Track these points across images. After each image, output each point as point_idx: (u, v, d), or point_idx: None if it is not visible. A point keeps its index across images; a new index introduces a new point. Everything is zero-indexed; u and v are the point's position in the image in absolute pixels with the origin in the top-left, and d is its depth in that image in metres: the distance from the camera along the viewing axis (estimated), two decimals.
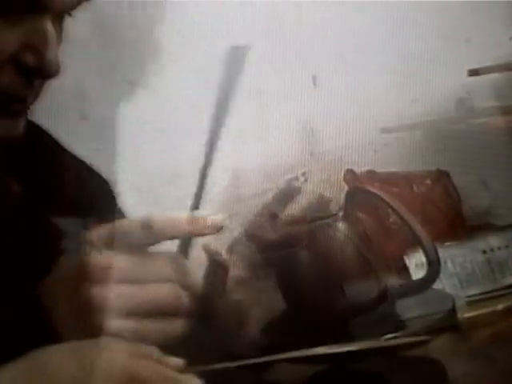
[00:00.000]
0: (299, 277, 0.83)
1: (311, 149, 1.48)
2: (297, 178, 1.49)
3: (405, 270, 0.97)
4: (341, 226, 0.82)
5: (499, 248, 1.00)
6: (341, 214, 0.84)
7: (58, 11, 0.69)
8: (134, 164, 1.45)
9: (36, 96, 0.74)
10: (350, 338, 0.80)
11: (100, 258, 0.59)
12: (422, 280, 0.81)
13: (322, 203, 0.68)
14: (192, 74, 1.45)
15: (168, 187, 1.44)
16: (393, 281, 0.82)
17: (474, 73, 1.32)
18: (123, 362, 0.56)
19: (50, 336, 0.58)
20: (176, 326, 0.61)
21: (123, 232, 0.60)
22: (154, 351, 0.58)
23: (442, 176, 1.27)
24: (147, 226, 0.60)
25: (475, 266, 0.99)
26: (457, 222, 1.25)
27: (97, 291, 0.58)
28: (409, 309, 0.82)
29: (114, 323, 0.58)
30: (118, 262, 0.59)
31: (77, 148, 1.41)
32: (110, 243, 0.60)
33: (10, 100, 0.69)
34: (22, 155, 0.81)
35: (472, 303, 0.94)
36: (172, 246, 0.79)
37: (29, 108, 0.74)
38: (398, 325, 0.80)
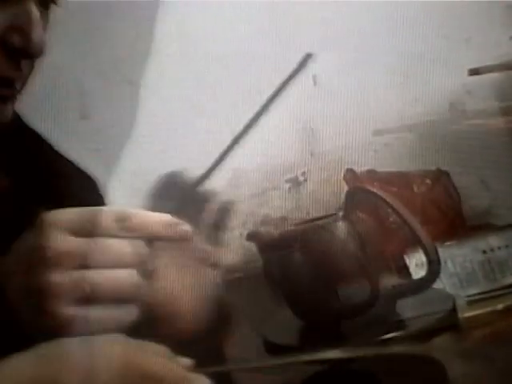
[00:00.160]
0: (297, 277, 0.83)
1: (311, 149, 1.48)
2: (297, 178, 1.49)
3: (405, 269, 0.97)
4: (341, 225, 0.82)
5: (499, 248, 1.00)
6: (341, 213, 0.84)
7: None
8: (134, 164, 1.45)
9: (24, 81, 0.76)
10: (344, 339, 0.80)
11: (57, 241, 0.59)
12: (422, 280, 0.81)
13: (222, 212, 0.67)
14: (192, 74, 1.45)
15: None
16: (393, 280, 0.82)
17: (474, 72, 1.32)
18: (136, 359, 0.56)
19: (7, 315, 0.58)
20: (132, 313, 0.60)
21: (92, 219, 0.60)
22: (165, 350, 0.58)
23: (442, 176, 1.27)
24: (121, 220, 0.60)
25: (475, 266, 0.99)
26: (457, 222, 1.25)
27: (52, 276, 0.58)
28: (409, 308, 0.82)
29: (69, 309, 0.58)
30: (76, 246, 0.59)
31: (77, 148, 1.41)
32: (71, 227, 0.59)
33: None
34: (9, 148, 0.81)
35: (472, 303, 0.94)
36: None
37: (17, 94, 0.74)
38: (398, 324, 0.80)
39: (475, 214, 1.38)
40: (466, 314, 0.90)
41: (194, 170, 1.44)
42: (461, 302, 0.92)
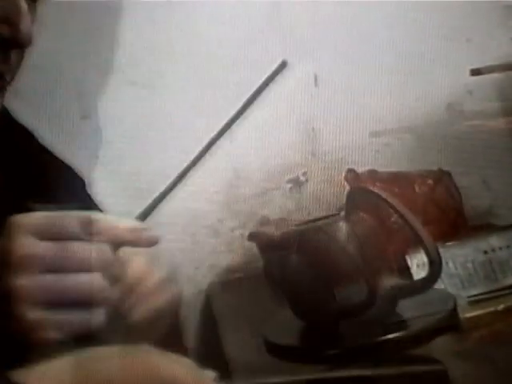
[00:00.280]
0: (297, 277, 0.83)
1: (312, 149, 1.48)
2: (298, 178, 1.48)
3: (406, 270, 0.97)
4: (342, 225, 0.82)
5: (500, 248, 1.00)
6: (342, 213, 0.84)
7: None
8: (134, 164, 1.44)
9: (13, 74, 0.78)
10: (344, 339, 0.80)
11: (23, 245, 0.59)
12: (423, 280, 0.81)
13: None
14: (192, 73, 1.45)
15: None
16: (394, 281, 0.82)
17: (475, 72, 1.32)
18: (167, 369, 0.56)
19: None
20: (99, 316, 0.60)
21: (58, 223, 0.60)
22: (191, 362, 0.59)
23: (443, 176, 1.27)
24: (87, 224, 0.60)
25: (476, 266, 0.98)
26: (458, 222, 1.24)
27: (18, 280, 0.58)
28: (410, 309, 0.82)
29: (35, 313, 0.58)
30: (42, 250, 0.59)
31: (77, 148, 1.41)
32: (38, 231, 0.59)
33: None
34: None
35: (473, 303, 0.94)
36: None
37: (6, 86, 0.75)
38: (399, 325, 0.80)
39: (477, 214, 1.38)
40: (467, 314, 0.89)
41: (194, 170, 1.44)
42: (462, 303, 0.91)
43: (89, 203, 0.90)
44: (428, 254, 0.79)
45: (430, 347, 0.82)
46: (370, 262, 0.81)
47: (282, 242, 0.85)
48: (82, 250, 0.59)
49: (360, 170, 1.33)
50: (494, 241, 1.01)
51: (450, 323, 0.81)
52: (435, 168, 1.30)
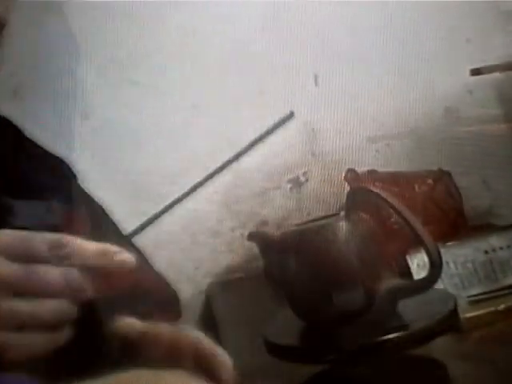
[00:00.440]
0: (297, 277, 0.83)
1: (312, 149, 1.48)
2: (298, 178, 1.48)
3: (407, 270, 0.97)
4: (342, 225, 0.82)
5: (501, 248, 1.00)
6: (342, 213, 0.84)
7: None
8: (134, 163, 1.45)
9: None
10: (345, 339, 0.80)
11: None
12: (423, 280, 0.81)
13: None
14: (192, 73, 1.45)
15: (168, 186, 1.44)
16: (394, 281, 0.82)
17: (475, 72, 1.32)
18: None
19: None
20: (60, 338, 0.60)
21: (26, 245, 0.59)
22: None
23: (443, 176, 1.27)
24: (56, 247, 0.59)
25: (477, 266, 0.98)
26: (458, 222, 1.24)
27: None
28: (410, 309, 0.82)
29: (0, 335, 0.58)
30: (8, 272, 0.58)
31: (78, 147, 1.41)
32: (5, 251, 0.58)
33: None
34: None
35: (473, 303, 0.94)
36: None
37: None
38: (400, 325, 0.80)
39: (477, 214, 1.38)
40: (467, 314, 0.89)
41: (194, 170, 1.44)
42: (462, 303, 0.91)
43: (81, 196, 0.89)
44: (428, 254, 0.79)
45: (430, 347, 0.82)
46: (370, 262, 0.81)
47: (282, 241, 0.85)
48: (49, 274, 0.58)
49: (360, 170, 1.33)
50: (494, 241, 1.01)
51: (451, 323, 0.81)
52: (435, 168, 1.30)
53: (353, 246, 0.81)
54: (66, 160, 0.90)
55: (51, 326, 0.59)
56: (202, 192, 1.42)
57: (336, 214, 0.86)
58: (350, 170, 1.32)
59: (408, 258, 0.98)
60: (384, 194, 0.82)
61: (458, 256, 0.99)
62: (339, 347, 0.80)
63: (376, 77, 1.47)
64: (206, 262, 1.47)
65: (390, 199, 0.82)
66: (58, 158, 0.89)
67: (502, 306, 0.91)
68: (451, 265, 0.98)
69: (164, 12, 1.43)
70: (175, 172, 1.44)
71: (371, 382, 0.80)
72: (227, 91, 1.45)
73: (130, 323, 0.66)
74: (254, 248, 0.92)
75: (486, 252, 1.00)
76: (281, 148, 1.45)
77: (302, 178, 1.48)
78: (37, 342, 0.59)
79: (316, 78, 1.47)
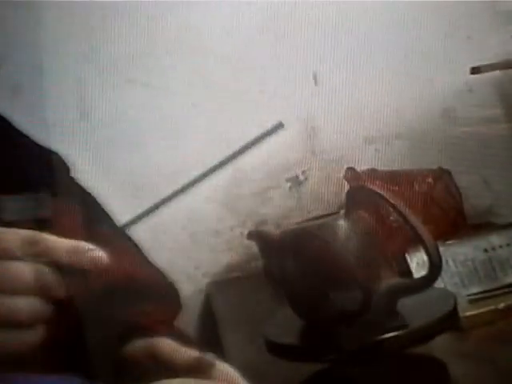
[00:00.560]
0: (297, 276, 0.83)
1: (312, 147, 1.48)
2: (297, 177, 1.48)
3: (406, 268, 0.97)
4: (342, 224, 0.82)
5: (500, 246, 1.00)
6: (342, 212, 0.84)
7: None
8: (134, 163, 1.45)
9: None
10: (345, 338, 0.80)
11: None
12: (423, 279, 0.81)
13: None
14: (192, 73, 1.45)
15: (168, 185, 1.43)
16: (394, 280, 0.82)
17: (476, 70, 1.32)
18: None
19: None
20: (35, 335, 0.59)
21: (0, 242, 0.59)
22: None
23: (443, 174, 1.27)
24: (29, 244, 0.59)
25: (477, 265, 0.98)
26: (458, 221, 1.24)
27: None
28: (410, 307, 0.82)
29: None
30: None
31: (77, 147, 1.41)
32: None
33: None
34: None
35: (473, 302, 0.94)
36: None
37: None
38: (400, 324, 0.80)
39: (476, 212, 1.38)
40: (467, 313, 0.89)
41: (194, 170, 1.44)
42: (462, 301, 0.91)
43: (72, 188, 0.89)
44: (428, 253, 0.79)
45: (430, 346, 0.82)
46: (370, 261, 0.81)
47: (282, 240, 0.85)
48: (20, 271, 0.58)
49: (359, 168, 1.33)
50: (494, 239, 1.01)
51: (450, 322, 0.81)
52: (435, 167, 1.30)
53: (352, 245, 0.81)
54: (57, 152, 0.89)
55: (23, 324, 0.59)
56: (202, 191, 1.42)
57: (335, 213, 0.86)
58: (350, 169, 1.32)
59: (408, 256, 0.98)
60: (384, 193, 0.82)
61: (458, 255, 0.99)
62: (339, 346, 0.80)
63: (376, 76, 1.47)
64: (205, 261, 1.47)
65: (390, 198, 0.82)
66: (47, 149, 0.88)
67: (501, 305, 0.91)
68: (451, 263, 0.98)
69: (164, 12, 1.43)
70: (175, 171, 1.44)
71: (371, 382, 0.80)
72: (227, 91, 1.45)
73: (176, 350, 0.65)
74: (254, 247, 0.92)
75: (486, 251, 1.00)
76: (280, 147, 1.45)
77: (302, 177, 1.48)
78: (8, 340, 0.58)
79: (316, 77, 1.47)
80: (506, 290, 0.96)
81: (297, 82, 1.46)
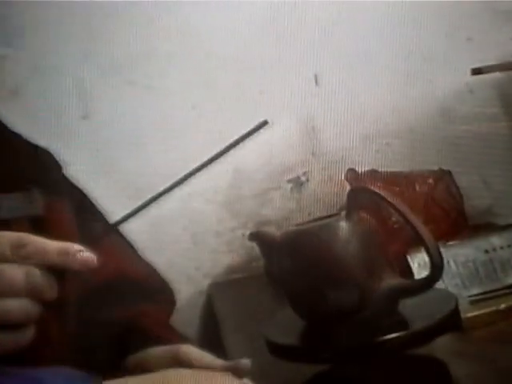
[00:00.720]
0: (298, 277, 0.83)
1: (312, 148, 1.48)
2: (298, 178, 1.48)
3: (408, 269, 0.97)
4: (343, 225, 0.82)
5: (502, 247, 1.00)
6: (343, 213, 0.84)
7: None
8: (134, 163, 1.45)
9: None
10: (346, 338, 0.80)
11: None
12: (424, 280, 0.81)
13: None
14: (192, 74, 1.45)
15: None
16: (395, 280, 0.82)
17: (476, 72, 1.32)
18: None
19: None
20: (26, 335, 0.60)
21: None
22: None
23: (444, 175, 1.27)
24: (18, 246, 0.59)
25: (478, 266, 0.98)
26: (459, 222, 1.24)
27: None
28: (411, 308, 0.82)
29: None
30: None
31: (78, 148, 1.41)
32: None
33: None
34: None
35: (474, 303, 0.94)
36: None
37: None
38: (401, 324, 0.80)
39: (477, 213, 1.38)
40: (468, 313, 0.89)
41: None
42: (463, 302, 0.91)
43: (64, 186, 0.88)
44: (429, 254, 0.79)
45: (431, 347, 0.82)
46: (371, 262, 0.81)
47: (283, 242, 0.85)
48: (10, 273, 0.58)
49: (360, 169, 1.33)
50: (495, 240, 1.01)
51: (451, 323, 0.81)
52: (436, 167, 1.30)
53: (353, 246, 0.81)
54: (48, 149, 0.89)
55: (14, 325, 0.59)
56: (203, 192, 1.42)
57: (336, 214, 0.86)
58: (351, 170, 1.32)
59: (409, 257, 0.98)
60: (384, 194, 0.82)
61: (459, 255, 0.99)
62: (340, 347, 0.80)
63: (376, 76, 1.47)
64: (206, 263, 1.47)
65: (391, 199, 0.82)
66: (39, 147, 0.88)
67: (502, 306, 0.91)
68: (452, 264, 0.98)
69: (164, 13, 1.43)
70: (175, 172, 1.44)
71: (371, 382, 0.80)
72: (227, 92, 1.45)
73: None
74: (255, 248, 0.92)
75: (487, 251, 1.00)
76: (281, 148, 1.45)
77: (303, 178, 1.48)
78: (1, 339, 0.58)
79: (316, 77, 1.47)
80: (507, 290, 0.96)
81: (297, 83, 1.46)
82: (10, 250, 0.58)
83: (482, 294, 0.96)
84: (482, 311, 0.90)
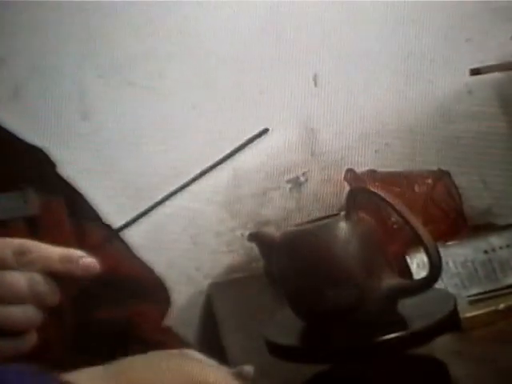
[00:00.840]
0: (298, 277, 0.83)
1: (312, 149, 1.48)
2: (297, 178, 1.49)
3: (407, 269, 0.97)
4: (342, 226, 0.82)
5: (500, 247, 1.00)
6: (342, 214, 0.84)
7: None
8: (134, 164, 1.45)
9: None
10: (346, 339, 0.80)
11: None
12: (423, 280, 0.81)
13: None
14: (192, 74, 1.45)
15: (169, 187, 1.43)
16: (394, 281, 0.82)
17: (475, 72, 1.32)
18: (200, 374, 0.57)
19: None
20: (28, 341, 0.60)
21: None
22: (226, 369, 0.61)
23: (443, 176, 1.27)
24: (20, 253, 0.59)
25: (477, 266, 0.99)
26: (458, 222, 1.24)
27: None
28: (411, 308, 0.82)
29: None
30: None
31: (78, 148, 1.42)
32: None
33: None
34: None
35: (473, 303, 0.94)
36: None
37: None
38: (400, 324, 0.80)
39: (476, 213, 1.38)
40: (467, 314, 0.89)
41: (194, 171, 1.44)
42: (462, 302, 0.92)
43: (58, 184, 0.88)
44: (428, 254, 0.79)
45: (430, 347, 0.82)
46: (370, 262, 0.81)
47: (282, 242, 0.85)
48: (14, 280, 0.58)
49: (360, 170, 1.33)
50: (494, 240, 1.01)
51: (451, 323, 0.81)
52: (435, 168, 1.30)
53: (353, 246, 0.81)
54: (42, 148, 0.89)
55: (18, 332, 0.59)
56: (203, 192, 1.42)
57: (336, 215, 0.86)
58: (350, 170, 1.33)
59: (408, 257, 0.98)
60: (384, 194, 0.82)
61: (458, 256, 0.99)
62: (339, 347, 0.80)
63: (376, 77, 1.47)
64: (206, 263, 1.47)
65: (390, 199, 0.82)
66: (33, 145, 0.88)
67: (501, 306, 0.91)
68: (451, 264, 0.98)
69: (164, 13, 1.43)
70: (175, 173, 1.45)
71: (371, 382, 0.80)
72: (227, 92, 1.45)
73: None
74: (255, 248, 0.92)
75: (486, 252, 1.00)
76: (280, 148, 1.46)
77: (302, 178, 1.48)
78: (2, 347, 0.59)
79: (316, 77, 1.47)
80: (506, 290, 0.96)
81: (297, 83, 1.46)
82: (12, 256, 0.58)
83: (481, 294, 0.96)
84: (481, 311, 0.90)
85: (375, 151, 1.48)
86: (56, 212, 0.81)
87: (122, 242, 0.90)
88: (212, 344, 1.12)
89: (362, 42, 1.46)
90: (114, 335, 0.81)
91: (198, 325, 1.46)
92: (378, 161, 1.44)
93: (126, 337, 0.82)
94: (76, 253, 0.60)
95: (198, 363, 0.60)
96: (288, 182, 1.48)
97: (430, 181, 1.25)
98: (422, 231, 0.80)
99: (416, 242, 0.81)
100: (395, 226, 1.10)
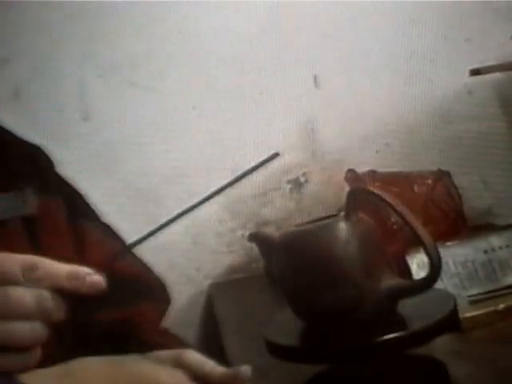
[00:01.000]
0: (297, 277, 0.83)
1: (312, 149, 1.48)
2: (297, 179, 1.49)
3: (406, 270, 0.97)
4: (342, 226, 0.82)
5: (500, 248, 1.00)
6: (342, 214, 0.84)
7: None
8: (134, 164, 1.45)
9: None
10: (346, 339, 0.80)
11: None
12: (423, 280, 0.81)
13: None
14: (192, 74, 1.45)
15: (169, 187, 1.44)
16: (394, 281, 0.82)
17: (475, 72, 1.32)
18: (152, 377, 0.58)
19: None
20: (34, 357, 0.60)
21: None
22: (182, 374, 0.61)
23: (443, 176, 1.27)
24: (28, 269, 0.59)
25: (477, 266, 0.99)
26: (458, 222, 1.24)
27: None
28: (410, 309, 0.82)
29: None
30: None
31: (78, 148, 1.42)
32: None
33: None
34: None
35: (473, 303, 0.94)
36: None
37: None
38: (400, 325, 0.80)
39: (476, 214, 1.38)
40: (467, 314, 0.90)
41: (194, 171, 1.45)
42: (462, 302, 0.91)
43: (57, 184, 0.88)
44: (428, 254, 0.79)
45: (430, 347, 0.82)
46: (370, 262, 0.81)
47: (282, 242, 0.85)
48: (22, 296, 0.58)
49: (360, 170, 1.33)
50: (494, 240, 1.01)
51: (450, 323, 0.81)
52: (435, 168, 1.30)
53: (353, 247, 0.81)
54: (41, 147, 0.88)
55: (23, 348, 0.59)
56: (203, 192, 1.42)
57: (336, 215, 0.86)
58: (350, 171, 1.33)
59: (408, 258, 0.98)
60: (384, 195, 0.82)
61: (458, 256, 0.99)
62: (339, 347, 0.80)
63: (376, 77, 1.47)
64: (206, 263, 1.47)
65: (390, 199, 0.82)
66: (32, 145, 0.88)
67: (501, 306, 0.91)
68: (451, 265, 0.98)
69: (164, 14, 1.43)
70: (175, 173, 1.45)
71: (371, 382, 0.80)
72: (227, 93, 1.45)
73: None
74: (255, 249, 0.92)
75: (486, 252, 1.00)
76: (281, 148, 1.45)
77: (302, 179, 1.48)
78: (8, 363, 0.59)
79: (316, 78, 1.47)
80: (506, 291, 0.96)
81: (297, 84, 1.46)
82: (21, 272, 0.58)
83: (480, 294, 0.96)
84: (480, 311, 0.90)
85: (375, 151, 1.48)
86: (55, 212, 0.81)
87: (121, 240, 0.90)
88: (212, 344, 1.12)
89: (362, 42, 1.46)
90: (114, 336, 0.81)
91: (198, 325, 1.46)
92: (378, 161, 1.44)
93: (127, 337, 0.82)
94: (83, 270, 0.60)
95: (153, 366, 0.61)
96: (288, 182, 1.48)
97: (429, 181, 1.25)
98: (422, 231, 0.80)
99: (416, 243, 0.81)
100: (395, 227, 1.10)
